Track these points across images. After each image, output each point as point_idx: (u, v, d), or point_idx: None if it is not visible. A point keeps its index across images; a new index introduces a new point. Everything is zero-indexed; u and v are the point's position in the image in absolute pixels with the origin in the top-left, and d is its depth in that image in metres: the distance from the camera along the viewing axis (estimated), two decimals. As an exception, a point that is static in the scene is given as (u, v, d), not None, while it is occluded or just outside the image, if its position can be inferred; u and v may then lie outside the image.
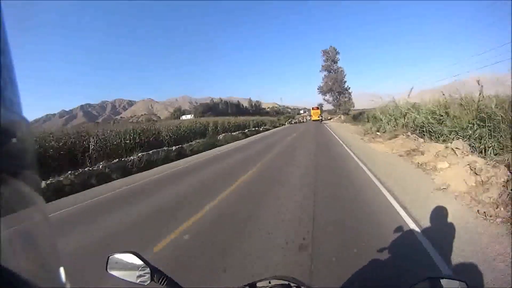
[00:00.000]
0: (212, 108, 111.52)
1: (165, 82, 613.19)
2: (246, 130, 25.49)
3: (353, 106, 42.83)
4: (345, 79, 42.77)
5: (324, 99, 44.98)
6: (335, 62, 43.62)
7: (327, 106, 52.86)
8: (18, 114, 0.24)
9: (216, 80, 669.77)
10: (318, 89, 44.57)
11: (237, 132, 23.10)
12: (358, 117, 34.09)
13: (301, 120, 56.30)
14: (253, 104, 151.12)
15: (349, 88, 43.40)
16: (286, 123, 49.55)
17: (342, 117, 41.70)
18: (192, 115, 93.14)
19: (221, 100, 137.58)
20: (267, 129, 34.04)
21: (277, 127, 40.99)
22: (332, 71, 43.27)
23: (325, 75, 43.88)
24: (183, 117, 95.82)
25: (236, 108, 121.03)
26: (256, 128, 30.78)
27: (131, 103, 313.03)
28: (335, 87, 42.18)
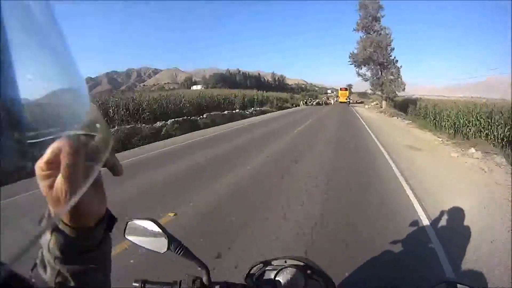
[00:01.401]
0: (225, 79, 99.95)
1: (193, 52, 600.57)
2: (204, 115, 14.60)
3: (403, 89, 26.72)
4: (392, 46, 27.04)
5: (358, 73, 29.15)
6: (377, 20, 27.72)
7: (358, 87, 39.15)
8: (18, 114, 0.23)
9: (245, 53, 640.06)
10: (350, 56, 28.74)
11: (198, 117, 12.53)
12: (406, 107, 20.44)
13: (327, 102, 42.97)
14: (276, 78, 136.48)
15: (397, 60, 27.42)
16: (301, 103, 36.92)
17: (384, 104, 26.95)
18: (201, 86, 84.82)
19: (239, 71, 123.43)
20: (265, 112, 22.99)
21: (286, 108, 29.29)
22: (372, 31, 27.72)
23: (361, 38, 28.17)
24: (194, 87, 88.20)
25: (256, 81, 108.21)
26: (244, 111, 19.85)
27: (156, 71, 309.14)
28: (377, 55, 26.86)
